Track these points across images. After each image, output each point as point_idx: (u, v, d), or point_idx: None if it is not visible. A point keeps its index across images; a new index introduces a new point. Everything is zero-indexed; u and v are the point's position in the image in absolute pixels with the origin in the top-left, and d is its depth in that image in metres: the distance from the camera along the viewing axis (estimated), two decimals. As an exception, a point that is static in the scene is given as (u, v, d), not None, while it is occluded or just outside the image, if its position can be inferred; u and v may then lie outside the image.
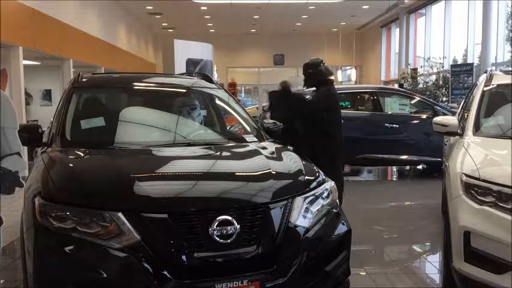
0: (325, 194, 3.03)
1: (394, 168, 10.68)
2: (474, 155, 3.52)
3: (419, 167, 10.18)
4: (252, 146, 3.57)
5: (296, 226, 2.72)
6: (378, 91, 9.65)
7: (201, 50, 8.62)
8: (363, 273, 4.21)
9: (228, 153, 3.41)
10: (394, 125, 8.97)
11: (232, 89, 22.46)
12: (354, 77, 25.78)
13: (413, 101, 9.59)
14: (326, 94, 4.93)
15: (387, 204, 7.40)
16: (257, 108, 21.94)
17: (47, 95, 14.84)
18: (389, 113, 9.22)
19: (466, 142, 3.89)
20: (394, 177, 10.52)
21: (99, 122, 3.64)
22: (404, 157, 9.03)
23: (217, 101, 4.28)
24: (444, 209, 3.67)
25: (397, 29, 21.41)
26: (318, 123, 4.97)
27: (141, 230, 2.42)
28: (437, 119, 4.57)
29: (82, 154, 3.13)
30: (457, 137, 4.33)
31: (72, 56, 12.33)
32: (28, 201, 2.68)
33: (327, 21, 22.12)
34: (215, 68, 9.46)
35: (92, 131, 3.59)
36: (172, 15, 20.13)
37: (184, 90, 4.32)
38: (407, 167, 10.53)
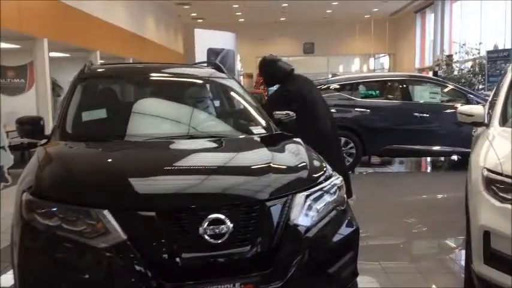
0: (331, 190, 2.83)
1: (428, 159, 10.28)
2: (498, 148, 3.24)
3: (455, 157, 9.72)
4: (256, 138, 3.40)
5: (297, 225, 2.54)
6: (407, 79, 9.30)
7: (222, 39, 8.44)
8: (378, 267, 4.07)
9: (229, 146, 3.24)
10: (424, 115, 8.62)
11: (261, 78, 22.27)
12: (386, 65, 25.12)
13: (446, 90, 9.20)
14: (280, 92, 4.74)
15: (418, 197, 7.11)
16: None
17: (77, 86, 15.03)
18: (421, 102, 8.88)
19: (491, 134, 3.61)
20: (427, 169, 10.15)
21: (100, 114, 3.55)
22: (436, 148, 8.67)
23: (225, 92, 4.11)
24: (467, 205, 3.43)
25: (432, 15, 20.69)
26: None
27: (127, 229, 2.29)
28: (462, 108, 4.29)
29: (77, 148, 3.04)
30: (484, 127, 4.04)
31: (99, 48, 12.41)
32: (18, 196, 2.60)
33: (359, 7, 21.56)
34: (238, 58, 9.25)
35: (94, 123, 3.49)
36: (201, 5, 20.03)
37: (192, 81, 4.17)
38: (442, 158, 10.10)
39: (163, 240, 2.30)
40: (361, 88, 9.58)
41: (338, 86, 9.17)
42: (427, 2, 20.53)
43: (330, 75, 16.41)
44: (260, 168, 2.79)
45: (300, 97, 4.80)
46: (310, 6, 20.92)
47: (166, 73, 4.19)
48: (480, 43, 15.39)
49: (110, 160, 2.81)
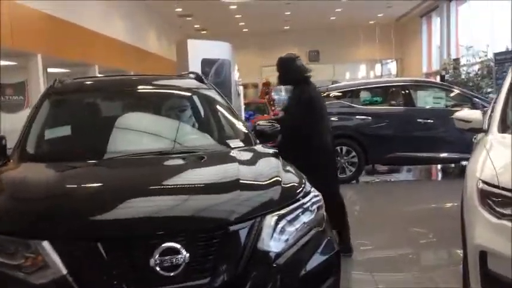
0: (310, 209, 2.56)
1: (439, 166, 9.92)
2: (495, 158, 2.94)
3: (465, 163, 9.33)
4: (231, 153, 3.13)
5: (266, 251, 2.26)
6: (409, 84, 9.02)
7: (217, 49, 8.24)
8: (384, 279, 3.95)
9: (196, 163, 2.95)
10: (428, 120, 8.31)
11: (266, 88, 22.04)
12: (394, 71, 24.76)
13: (450, 94, 8.90)
14: (300, 95, 4.44)
15: (426, 206, 6.84)
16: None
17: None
18: (425, 107, 8.57)
19: (489, 141, 3.31)
20: (438, 176, 9.82)
21: (64, 131, 3.31)
22: (443, 155, 8.33)
23: (203, 103, 3.85)
24: (462, 221, 3.13)
25: (438, 18, 20.34)
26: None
27: (69, 262, 2.04)
28: (459, 113, 4.00)
29: (31, 171, 2.81)
30: (483, 134, 3.74)
31: (97, 62, 12.29)
32: None
33: (363, 13, 21.32)
34: (236, 68, 9.05)
35: (57, 142, 3.26)
36: (203, 17, 19.94)
37: (167, 94, 3.93)
38: (452, 165, 9.72)
39: (108, 274, 2.04)
40: (366, 95, 9.34)
41: (338, 94, 8.91)
42: (433, 6, 20.20)
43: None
44: (225, 187, 2.52)
45: (318, 105, 4.53)
46: (313, 13, 20.72)
47: (141, 86, 3.95)
48: (487, 45, 15.02)
49: (58, 184, 2.56)
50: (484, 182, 2.74)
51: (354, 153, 8.29)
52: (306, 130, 4.34)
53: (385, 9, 20.71)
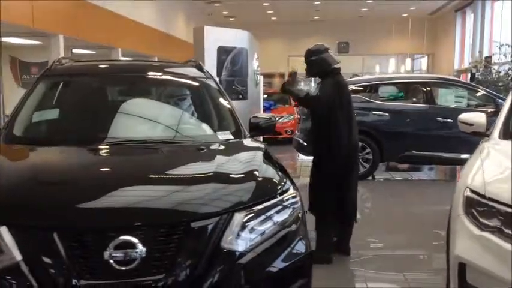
0: (284, 208, 2.48)
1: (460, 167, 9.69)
2: (489, 166, 2.79)
3: None
4: (213, 145, 3.07)
5: (229, 250, 2.20)
6: (430, 81, 8.76)
7: (234, 37, 8.10)
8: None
9: (174, 154, 2.90)
10: (448, 120, 8.05)
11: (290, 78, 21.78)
12: (424, 66, 24.14)
13: (476, 94, 8.63)
14: (331, 85, 4.28)
15: (442, 207, 6.63)
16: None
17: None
18: (445, 106, 8.32)
19: (486, 148, 3.15)
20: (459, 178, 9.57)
21: (52, 115, 3.31)
22: (464, 156, 8.06)
23: (197, 93, 3.77)
24: (448, 230, 2.99)
25: (472, 14, 19.69)
26: (320, 122, 4.35)
27: (24, 249, 2.03)
28: (462, 116, 3.82)
29: (8, 154, 2.81)
30: (486, 138, 3.57)
31: (122, 45, 12.36)
32: None
33: (396, 5, 20.78)
34: (255, 57, 8.92)
35: (43, 126, 3.27)
36: (232, 4, 19.80)
37: (162, 81, 3.86)
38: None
39: (62, 265, 2.02)
40: (388, 90, 9.14)
41: (357, 88, 8.72)
42: (467, 1, 19.55)
43: (363, 75, 15.85)
44: (197, 181, 2.46)
45: (340, 102, 4.39)
46: (344, 4, 20.33)
47: (137, 72, 3.88)
48: (520, 43, 14.44)
49: (28, 169, 2.55)
50: (472, 190, 2.61)
51: (368, 150, 8.15)
52: (327, 128, 4.25)
53: (419, 2, 20.17)
